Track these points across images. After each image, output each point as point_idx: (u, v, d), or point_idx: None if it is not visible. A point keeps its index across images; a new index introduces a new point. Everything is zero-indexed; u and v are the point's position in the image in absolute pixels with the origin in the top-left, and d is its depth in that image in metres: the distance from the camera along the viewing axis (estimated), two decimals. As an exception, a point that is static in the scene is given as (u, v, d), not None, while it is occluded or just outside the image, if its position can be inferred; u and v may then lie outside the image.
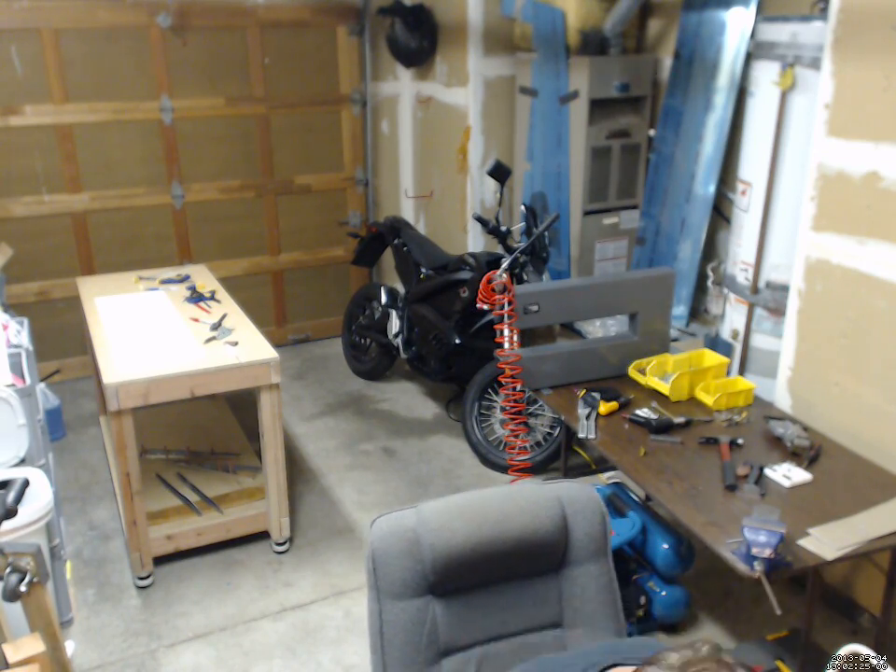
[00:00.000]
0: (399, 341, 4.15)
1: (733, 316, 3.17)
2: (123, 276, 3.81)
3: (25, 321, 3.00)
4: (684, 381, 2.71)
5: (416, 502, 3.56)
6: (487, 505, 1.50)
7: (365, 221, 5.17)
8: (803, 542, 1.97)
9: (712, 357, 2.86)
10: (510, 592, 1.51)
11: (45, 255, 4.44)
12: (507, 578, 1.51)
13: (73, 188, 4.42)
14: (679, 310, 3.62)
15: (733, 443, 2.42)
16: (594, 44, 3.74)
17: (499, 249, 3.66)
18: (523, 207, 3.63)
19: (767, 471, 2.28)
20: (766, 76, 2.86)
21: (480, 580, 1.49)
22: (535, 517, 1.48)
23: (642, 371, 2.83)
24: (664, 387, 2.72)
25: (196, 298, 3.45)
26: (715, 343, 3.25)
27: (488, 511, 1.49)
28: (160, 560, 2.98)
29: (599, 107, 3.75)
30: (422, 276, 4.01)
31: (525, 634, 1.51)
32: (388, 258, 4.60)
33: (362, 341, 4.65)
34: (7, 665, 1.57)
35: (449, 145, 4.40)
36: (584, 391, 2.71)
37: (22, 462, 2.46)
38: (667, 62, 3.69)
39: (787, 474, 2.26)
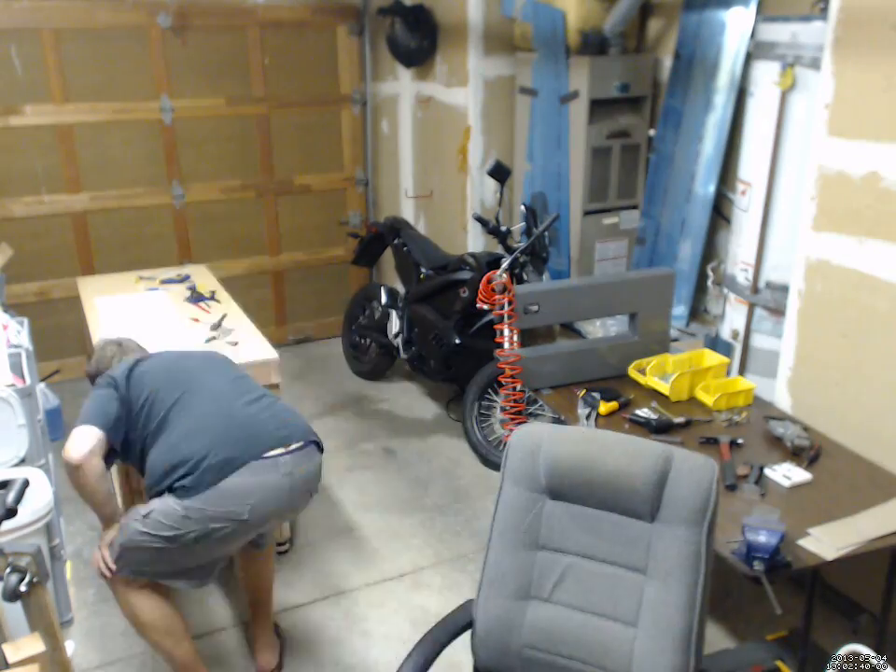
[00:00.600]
0: (398, 341, 4.15)
1: (733, 316, 3.17)
2: (123, 276, 3.81)
3: (25, 321, 3.00)
4: (684, 381, 2.71)
5: (417, 503, 3.54)
6: (600, 439, 1.73)
7: (365, 221, 5.17)
8: (803, 542, 1.97)
9: (712, 357, 2.86)
10: (606, 521, 1.68)
11: (45, 255, 4.44)
12: (605, 507, 1.68)
13: (73, 188, 4.42)
14: (679, 310, 3.62)
15: (733, 443, 2.42)
16: (594, 44, 3.74)
17: (499, 249, 3.66)
18: (523, 207, 3.63)
19: (767, 471, 2.28)
20: (766, 76, 2.86)
21: (582, 498, 1.69)
22: (633, 463, 1.63)
23: (642, 371, 2.83)
24: (664, 387, 2.72)
25: (196, 298, 3.46)
26: (715, 343, 3.25)
27: (598, 444, 1.71)
28: (160, 560, 2.98)
29: (599, 107, 3.75)
30: (422, 276, 4.01)
31: (611, 565, 1.67)
32: (388, 258, 4.60)
33: (362, 341, 4.65)
34: (7, 665, 1.57)
35: (449, 145, 4.40)
36: (584, 391, 2.71)
37: (22, 462, 2.46)
38: (667, 62, 3.69)
39: (787, 474, 2.26)
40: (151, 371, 2.29)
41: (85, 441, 2.11)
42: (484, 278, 2.86)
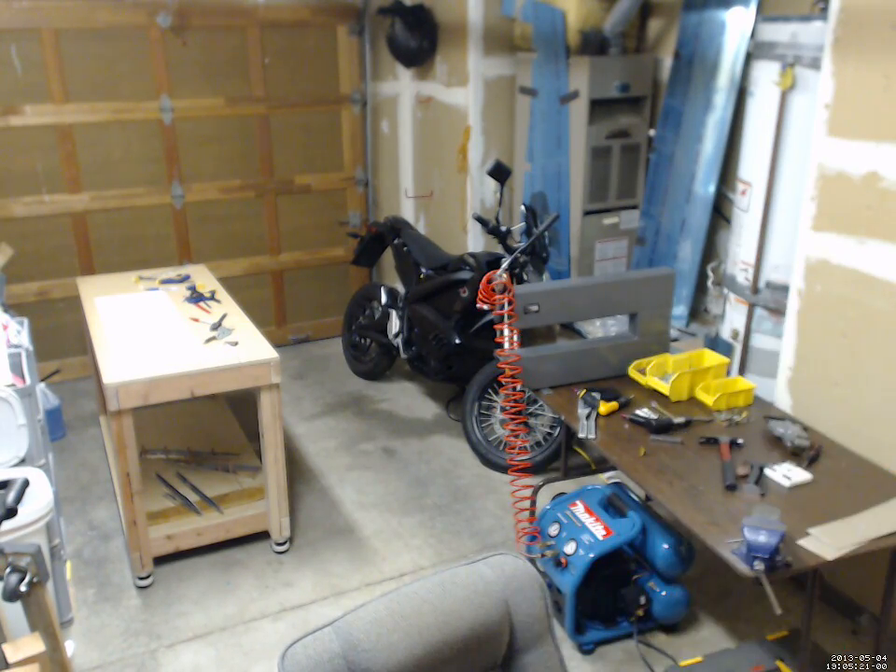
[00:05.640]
0: (398, 341, 4.15)
1: (733, 316, 3.17)
2: (123, 276, 3.81)
3: (25, 321, 3.00)
4: (684, 381, 2.71)
5: (417, 503, 3.52)
6: (423, 606, 1.28)
7: (365, 221, 5.17)
8: (803, 542, 1.97)
9: (712, 357, 2.86)
10: None
11: (45, 255, 4.44)
12: None
13: (73, 188, 4.42)
14: (679, 310, 3.62)
15: (733, 443, 2.42)
16: (594, 44, 3.74)
17: (499, 249, 3.66)
18: (523, 207, 3.63)
19: (767, 471, 2.28)
20: (766, 76, 2.86)
21: None
22: (480, 607, 1.29)
23: (642, 371, 2.83)
24: (664, 387, 2.72)
25: (196, 298, 3.46)
26: (715, 343, 3.25)
27: (426, 614, 1.26)
28: (160, 560, 2.98)
29: (599, 107, 3.75)
30: (422, 276, 4.01)
31: None
32: (388, 258, 4.60)
33: (362, 341, 4.65)
34: (7, 665, 1.57)
35: (449, 145, 4.40)
36: (584, 391, 2.71)
37: (22, 462, 2.46)
38: (667, 62, 3.69)
39: (787, 474, 2.26)
40: None
41: None
42: (484, 278, 2.86)
